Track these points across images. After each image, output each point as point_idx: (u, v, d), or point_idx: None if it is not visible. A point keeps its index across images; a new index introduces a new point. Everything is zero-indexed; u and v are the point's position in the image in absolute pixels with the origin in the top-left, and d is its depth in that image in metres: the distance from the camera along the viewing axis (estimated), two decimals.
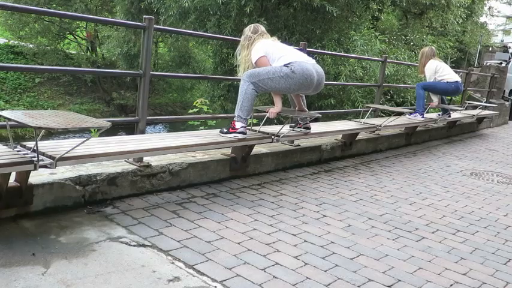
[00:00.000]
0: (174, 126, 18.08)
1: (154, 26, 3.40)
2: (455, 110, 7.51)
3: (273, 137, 3.82)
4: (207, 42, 12.94)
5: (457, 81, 6.63)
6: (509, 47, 27.94)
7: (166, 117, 12.49)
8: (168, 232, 2.70)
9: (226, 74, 11.94)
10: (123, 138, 3.16)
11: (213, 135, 3.61)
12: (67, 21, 19.52)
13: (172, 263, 2.34)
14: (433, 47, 6.95)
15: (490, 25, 34.67)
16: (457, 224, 3.47)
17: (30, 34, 19.28)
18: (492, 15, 27.97)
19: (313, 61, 3.88)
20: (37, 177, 2.74)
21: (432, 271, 2.59)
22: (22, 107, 16.47)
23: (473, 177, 5.16)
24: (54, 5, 18.90)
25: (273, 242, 2.73)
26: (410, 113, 6.53)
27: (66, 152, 2.46)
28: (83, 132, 13.19)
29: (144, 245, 2.50)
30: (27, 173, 2.52)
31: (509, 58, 21.64)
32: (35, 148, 2.43)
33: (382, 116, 7.09)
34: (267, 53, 3.72)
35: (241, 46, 3.84)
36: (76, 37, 21.43)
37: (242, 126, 3.61)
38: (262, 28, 3.90)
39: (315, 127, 4.70)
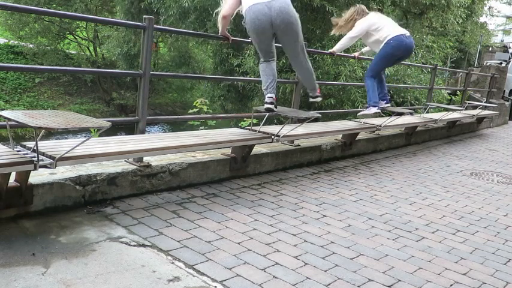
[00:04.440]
0: (174, 126, 18.10)
1: (154, 26, 3.40)
2: (455, 110, 7.50)
3: (273, 137, 3.82)
4: (207, 42, 12.96)
5: (399, 35, 5.03)
6: (509, 47, 27.95)
7: (166, 117, 12.47)
8: (168, 232, 2.70)
9: (226, 74, 11.95)
10: (123, 138, 3.16)
11: (212, 135, 3.61)
12: (67, 21, 19.55)
13: (172, 263, 2.34)
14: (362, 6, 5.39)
15: (490, 25, 34.67)
16: (457, 224, 3.47)
17: (30, 34, 19.31)
18: (492, 15, 27.92)
19: None
20: (37, 177, 2.74)
21: (432, 271, 2.59)
22: (22, 107, 16.49)
23: (473, 177, 5.16)
24: (54, 5, 18.93)
25: (273, 242, 2.73)
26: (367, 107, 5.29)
27: (66, 152, 2.46)
28: (83, 132, 13.21)
29: (144, 245, 2.50)
30: (27, 173, 2.52)
31: (509, 58, 21.65)
32: (35, 148, 2.43)
33: (382, 116, 7.09)
34: None
35: None
36: (76, 37, 21.44)
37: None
38: None
39: (315, 127, 4.71)
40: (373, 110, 5.16)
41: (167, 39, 18.80)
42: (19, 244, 2.34)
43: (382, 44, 5.07)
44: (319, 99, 4.46)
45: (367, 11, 5.23)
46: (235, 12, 3.93)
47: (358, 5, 5.33)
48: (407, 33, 5.11)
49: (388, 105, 5.59)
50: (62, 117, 2.48)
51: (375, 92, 5.22)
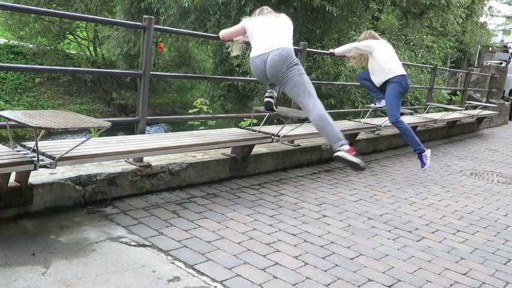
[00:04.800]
0: (174, 126, 18.10)
1: (154, 26, 3.40)
2: (455, 110, 7.50)
3: (273, 137, 3.82)
4: (207, 42, 12.96)
5: (404, 76, 5.07)
6: (509, 47, 27.95)
7: (166, 117, 12.50)
8: (168, 232, 2.70)
9: (226, 74, 11.95)
10: (123, 138, 3.16)
11: (212, 135, 3.61)
12: (67, 21, 19.53)
13: (172, 263, 2.34)
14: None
15: (490, 25, 34.66)
16: (457, 224, 3.47)
17: (30, 34, 19.29)
18: (492, 15, 27.95)
19: (270, 48, 3.60)
20: (37, 177, 2.74)
21: (432, 271, 2.59)
22: (22, 107, 16.48)
23: (473, 177, 5.16)
24: (54, 5, 18.91)
25: (273, 242, 2.73)
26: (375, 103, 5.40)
27: (66, 152, 2.46)
28: (83, 132, 13.21)
29: (144, 245, 2.50)
30: (27, 173, 2.52)
31: (509, 58, 21.66)
32: (35, 148, 2.43)
33: (382, 116, 7.09)
34: (247, 28, 3.79)
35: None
36: (76, 37, 21.44)
37: None
38: (265, 8, 3.92)
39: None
40: (429, 153, 5.03)
41: (167, 39, 18.80)
42: (19, 244, 2.34)
43: (386, 78, 5.01)
44: (347, 157, 3.40)
45: (377, 36, 5.28)
46: (231, 40, 3.97)
47: (368, 31, 5.39)
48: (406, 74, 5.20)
49: None
50: (62, 117, 2.48)
51: (414, 135, 5.05)
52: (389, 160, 5.58)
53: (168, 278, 2.19)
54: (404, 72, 5.05)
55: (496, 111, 9.99)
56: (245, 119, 7.31)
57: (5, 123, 2.49)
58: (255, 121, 4.77)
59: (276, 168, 4.37)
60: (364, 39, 5.17)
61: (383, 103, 5.38)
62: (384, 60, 5.04)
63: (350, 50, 5.22)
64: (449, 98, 13.37)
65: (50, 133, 13.67)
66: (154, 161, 3.42)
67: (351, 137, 5.27)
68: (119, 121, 4.08)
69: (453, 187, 4.60)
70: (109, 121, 2.55)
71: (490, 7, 25.87)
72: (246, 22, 3.83)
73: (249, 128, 3.99)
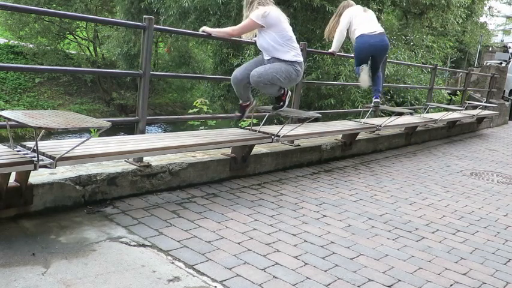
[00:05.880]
0: (174, 126, 18.10)
1: (154, 26, 3.40)
2: (455, 110, 7.50)
3: (273, 137, 3.82)
4: (207, 42, 12.96)
5: (363, 34, 4.99)
6: (509, 47, 27.93)
7: (166, 117, 12.50)
8: (168, 232, 2.70)
9: (226, 74, 11.93)
10: (123, 138, 3.16)
11: (212, 135, 3.61)
12: (67, 21, 19.53)
13: (172, 263, 2.34)
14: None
15: (490, 25, 34.65)
16: (457, 224, 3.47)
17: (30, 34, 19.29)
18: (492, 15, 27.94)
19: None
20: (37, 177, 2.74)
21: (432, 271, 2.59)
22: (22, 107, 16.48)
23: (473, 177, 5.16)
24: (54, 5, 18.91)
25: (273, 242, 2.73)
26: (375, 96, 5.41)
27: (66, 152, 2.46)
28: (83, 132, 13.20)
29: (144, 245, 2.50)
30: (27, 173, 2.52)
31: (509, 58, 21.63)
32: (35, 148, 2.43)
33: (382, 116, 7.09)
34: (269, 25, 3.72)
35: None
36: (76, 37, 21.44)
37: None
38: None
39: (315, 127, 4.70)
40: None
41: (167, 39, 18.80)
42: (19, 244, 2.34)
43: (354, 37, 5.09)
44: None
45: (352, 2, 5.24)
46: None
47: (342, 4, 5.31)
48: (377, 31, 5.05)
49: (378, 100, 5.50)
50: (62, 117, 2.48)
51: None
52: (389, 160, 5.59)
53: (168, 278, 2.19)
54: (364, 31, 5.01)
55: (496, 111, 9.99)
56: (245, 119, 7.31)
57: (5, 123, 2.49)
58: (255, 121, 4.77)
59: (276, 168, 4.36)
60: (338, 15, 5.17)
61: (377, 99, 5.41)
62: (354, 25, 5.07)
63: (340, 38, 5.19)
64: (449, 98, 13.36)
65: (50, 133, 13.66)
66: (154, 161, 3.42)
67: (351, 137, 5.28)
68: (119, 121, 4.08)
69: (453, 187, 4.60)
70: (109, 121, 2.55)
71: (490, 7, 25.86)
72: (260, 20, 3.68)
73: (249, 128, 4.00)
